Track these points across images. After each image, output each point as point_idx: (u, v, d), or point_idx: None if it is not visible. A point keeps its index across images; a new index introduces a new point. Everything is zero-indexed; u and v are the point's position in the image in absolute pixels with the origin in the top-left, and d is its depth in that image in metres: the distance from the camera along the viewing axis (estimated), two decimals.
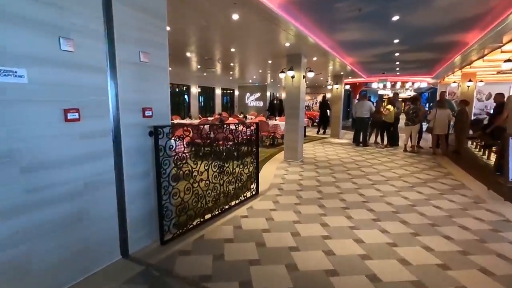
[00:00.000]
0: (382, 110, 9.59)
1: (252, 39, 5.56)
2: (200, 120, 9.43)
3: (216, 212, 3.48)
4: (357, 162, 7.04)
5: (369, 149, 8.96)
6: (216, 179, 3.47)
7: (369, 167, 6.44)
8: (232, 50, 6.72)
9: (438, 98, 8.64)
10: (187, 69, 10.26)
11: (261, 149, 8.60)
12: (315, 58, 7.46)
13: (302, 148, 7.32)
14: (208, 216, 3.36)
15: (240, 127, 4.13)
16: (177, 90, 11.96)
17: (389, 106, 8.79)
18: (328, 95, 20.58)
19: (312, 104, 21.68)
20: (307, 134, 12.36)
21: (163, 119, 2.76)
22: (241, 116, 12.96)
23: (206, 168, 3.32)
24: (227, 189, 3.75)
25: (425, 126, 9.20)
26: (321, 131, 13.42)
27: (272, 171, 5.95)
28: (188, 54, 7.26)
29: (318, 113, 14.38)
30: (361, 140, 9.60)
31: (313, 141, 10.77)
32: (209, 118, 10.23)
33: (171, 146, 2.72)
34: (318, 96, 21.10)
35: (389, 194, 4.53)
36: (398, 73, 12.41)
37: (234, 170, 3.85)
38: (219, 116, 11.45)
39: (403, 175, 5.75)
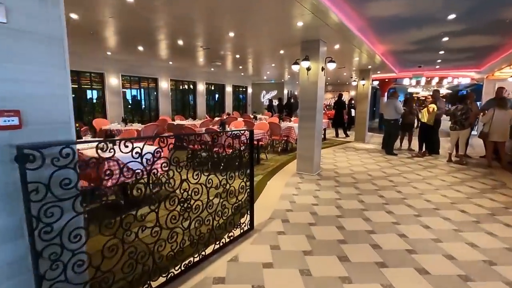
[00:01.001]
0: (417, 110, 7.96)
1: (256, 16, 4.29)
2: (202, 121, 8.31)
3: (174, 272, 2.25)
4: (390, 177, 5.56)
5: (402, 158, 7.39)
6: (174, 221, 2.24)
7: (407, 186, 4.97)
8: (231, 34, 5.47)
9: (494, 94, 6.87)
10: (192, 63, 9.17)
11: (271, 156, 7.30)
12: (337, 46, 6.05)
13: (319, 158, 5.94)
14: (156, 283, 2.13)
15: (223, 138, 2.88)
16: (181, 87, 10.93)
17: (432, 105, 7.16)
18: (352, 93, 18.86)
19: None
20: (327, 136, 10.89)
21: (53, 131, 1.56)
22: (256, 115, 11.72)
23: (154, 208, 2.08)
24: (198, 232, 2.51)
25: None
26: (338, 133, 11.86)
27: (278, 189, 4.66)
28: (180, 42, 6.11)
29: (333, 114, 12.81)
30: (392, 146, 8.02)
31: (334, 146, 9.31)
32: (216, 119, 9.10)
33: (67, 182, 1.51)
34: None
35: (445, 237, 3.09)
36: (437, 67, 10.59)
37: (210, 202, 2.60)
38: (226, 117, 10.28)
39: (457, 200, 4.24)
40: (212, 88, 12.48)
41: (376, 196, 4.42)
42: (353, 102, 11.58)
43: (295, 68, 5.84)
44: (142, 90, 9.21)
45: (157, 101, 9.53)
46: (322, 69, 5.42)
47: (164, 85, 9.66)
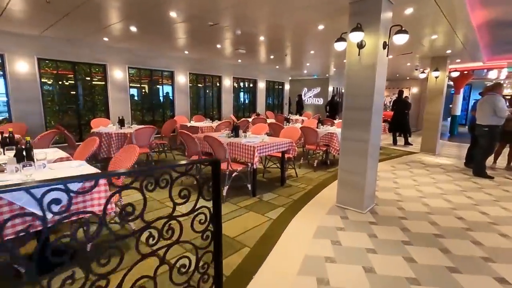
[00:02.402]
0: None
1: None
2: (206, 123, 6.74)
3: None
4: (498, 225, 3.35)
5: (503, 183, 4.94)
6: None
7: None
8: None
9: None
10: (212, 52, 7.70)
11: (304, 172, 5.41)
12: (409, 11, 3.98)
13: (374, 186, 3.93)
14: None
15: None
16: (203, 83, 9.54)
17: None
18: (413, 90, 15.77)
19: (390, 103, 17.00)
20: (381, 143, 8.58)
21: None
22: (289, 116, 9.87)
23: None
24: None
25: None
26: (397, 140, 9.38)
27: (303, 243, 2.86)
28: (195, 22, 4.58)
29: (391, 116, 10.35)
30: (484, 164, 5.55)
31: (392, 159, 7.04)
32: (243, 119, 7.48)
33: None
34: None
35: None
36: None
37: None
38: (252, 118, 8.60)
39: None
40: (242, 84, 10.92)
41: (485, 273, 2.33)
42: (407, 101, 9.08)
43: (339, 46, 3.90)
44: (154, 85, 8.00)
45: (173, 98, 8.30)
46: (385, 45, 3.42)
47: (182, 79, 8.36)
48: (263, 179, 5.24)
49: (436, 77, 7.53)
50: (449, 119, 13.99)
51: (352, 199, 3.72)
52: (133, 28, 5.10)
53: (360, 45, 3.41)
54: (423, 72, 9.41)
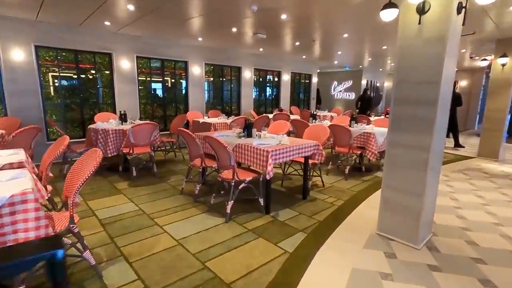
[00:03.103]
0: None
1: None
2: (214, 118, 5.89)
3: None
4: None
5: None
6: None
7: None
8: None
9: None
10: (229, 39, 6.88)
11: (332, 180, 4.37)
12: None
13: (433, 210, 2.85)
14: None
15: None
16: (221, 75, 8.74)
17: None
18: (462, 83, 13.84)
19: None
20: None
21: None
22: (316, 112, 8.82)
23: None
24: None
25: None
26: (445, 142, 7.98)
27: None
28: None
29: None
30: None
31: (444, 165, 5.78)
32: (264, 115, 6.59)
33: None
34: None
35: None
36: None
37: None
38: (275, 113, 7.66)
39: None
40: (264, 76, 9.99)
41: None
42: (460, 95, 7.58)
43: (387, 15, 2.86)
44: (166, 76, 7.33)
45: (187, 91, 7.59)
46: (460, 8, 2.34)
47: (196, 70, 7.62)
48: (281, 188, 4.33)
49: (503, 65, 6.09)
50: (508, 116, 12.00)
51: (401, 228, 2.70)
52: (132, 7, 4.38)
53: (422, 9, 2.36)
54: (484, 59, 7.85)
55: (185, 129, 3.65)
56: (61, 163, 4.91)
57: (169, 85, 7.47)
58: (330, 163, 5.22)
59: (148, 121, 4.91)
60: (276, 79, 10.33)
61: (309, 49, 8.24)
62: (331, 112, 9.59)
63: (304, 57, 9.72)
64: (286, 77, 10.40)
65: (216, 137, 3.21)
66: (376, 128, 5.23)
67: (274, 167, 3.14)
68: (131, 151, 4.48)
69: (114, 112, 6.32)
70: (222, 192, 3.86)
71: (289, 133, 7.75)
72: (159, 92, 7.36)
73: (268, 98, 10.35)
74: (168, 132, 6.15)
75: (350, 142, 4.74)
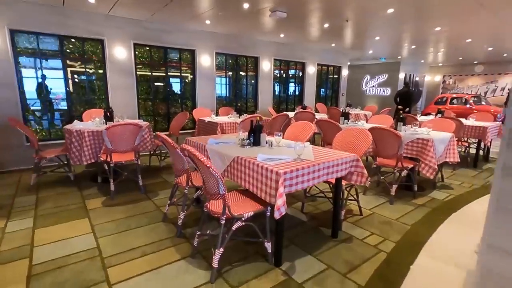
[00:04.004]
0: None
1: None
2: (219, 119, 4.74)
3: None
4: None
5: None
6: None
7: None
8: None
9: None
10: (247, 24, 5.79)
11: (372, 204, 3.04)
12: None
13: None
14: None
15: None
16: (236, 67, 7.64)
17: None
18: None
19: (490, 93, 13.05)
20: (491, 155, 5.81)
21: None
22: (347, 110, 7.51)
23: None
24: None
25: None
26: None
27: None
28: None
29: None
30: None
31: None
32: (285, 113, 5.40)
33: None
34: (501, 80, 12.45)
35: None
36: None
37: None
38: (297, 111, 6.44)
39: None
40: (285, 68, 8.78)
41: None
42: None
43: None
44: (170, 68, 6.38)
45: (194, 85, 6.59)
46: None
47: (206, 61, 6.59)
48: (300, 214, 3.17)
49: None
50: None
51: None
52: None
53: None
54: None
55: (163, 135, 2.59)
56: (32, 170, 4.08)
57: (174, 78, 6.51)
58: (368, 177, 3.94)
59: (129, 121, 3.95)
60: (299, 72, 9.07)
61: (340, 34, 6.91)
62: (364, 110, 8.20)
63: (333, 45, 8.37)
64: (311, 70, 9.10)
65: (210, 147, 2.12)
66: (434, 133, 3.88)
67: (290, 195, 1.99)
68: (108, 159, 3.53)
69: (108, 108, 5.46)
70: (209, 232, 2.56)
71: (313, 139, 6.45)
72: (162, 87, 6.42)
73: (290, 94, 9.12)
74: (168, 133, 5.18)
75: (399, 152, 3.46)
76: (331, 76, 10.24)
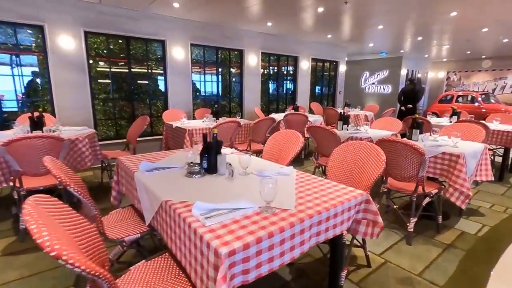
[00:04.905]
0: None
1: None
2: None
3: None
4: None
5: None
6: None
7: None
8: None
9: None
10: (228, 10, 4.84)
11: (383, 246, 2.16)
12: None
13: None
14: None
15: None
16: (216, 63, 6.65)
17: None
18: None
19: (499, 91, 12.18)
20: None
21: None
22: (345, 110, 6.61)
23: None
24: None
25: None
26: None
27: None
28: None
29: None
30: None
31: None
32: (272, 115, 4.42)
33: None
34: (511, 76, 11.59)
35: None
36: None
37: None
38: (287, 112, 5.47)
39: None
40: (275, 63, 7.81)
41: None
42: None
43: None
44: (135, 62, 5.39)
45: (166, 82, 5.61)
46: None
47: (178, 54, 5.60)
48: (282, 271, 2.20)
49: None
50: None
51: None
52: None
53: None
54: None
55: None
56: None
57: (141, 75, 5.51)
58: (375, 200, 2.99)
59: (40, 134, 2.97)
60: (292, 67, 8.12)
61: (337, 22, 5.95)
62: (364, 111, 7.27)
63: (329, 36, 7.41)
64: (305, 65, 8.15)
65: (139, 177, 1.22)
66: (462, 143, 2.95)
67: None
68: (18, 184, 2.54)
69: (53, 112, 4.46)
70: None
71: (306, 145, 5.53)
72: (126, 85, 5.41)
73: (281, 92, 8.16)
74: (125, 140, 4.19)
75: (420, 173, 2.51)
76: (327, 72, 9.30)
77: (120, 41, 5.09)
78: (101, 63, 5.01)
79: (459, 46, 9.16)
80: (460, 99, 10.75)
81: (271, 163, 2.19)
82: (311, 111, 8.04)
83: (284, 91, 8.25)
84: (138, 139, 3.92)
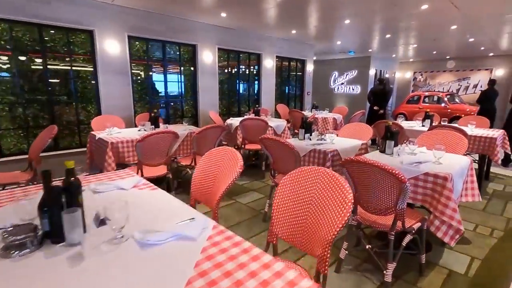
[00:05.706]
0: None
1: None
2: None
3: None
4: None
5: None
6: None
7: None
8: None
9: None
10: None
11: None
12: None
13: None
14: None
15: None
16: (163, 60, 5.77)
17: None
18: (498, 73, 11.09)
19: (462, 91, 12.35)
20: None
21: None
22: (312, 113, 6.08)
23: None
24: None
25: None
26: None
27: None
28: None
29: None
30: None
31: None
32: (228, 121, 3.63)
33: None
34: (473, 76, 11.78)
35: None
36: None
37: None
38: (247, 116, 4.74)
39: None
40: (235, 61, 7.08)
41: None
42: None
43: None
44: (55, 57, 4.38)
45: (97, 81, 4.64)
46: None
47: (113, 47, 4.68)
48: None
49: None
50: None
51: None
52: None
53: None
54: None
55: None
56: None
57: (62, 72, 4.51)
58: (345, 239, 2.31)
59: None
60: (254, 66, 7.43)
61: (301, 15, 5.34)
62: (332, 113, 6.76)
63: (294, 32, 6.80)
64: (269, 63, 7.50)
65: None
66: (447, 158, 2.39)
67: None
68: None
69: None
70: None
71: (266, 157, 4.86)
72: (42, 85, 4.37)
73: (242, 93, 7.44)
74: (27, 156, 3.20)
75: (399, 205, 1.87)
76: (294, 72, 8.73)
77: (32, 30, 4.07)
78: (3, 58, 3.96)
79: (426, 46, 9.01)
80: (426, 99, 10.71)
81: (184, 206, 1.43)
82: (277, 114, 7.40)
83: (247, 92, 7.54)
84: (65, 152, 3.03)
